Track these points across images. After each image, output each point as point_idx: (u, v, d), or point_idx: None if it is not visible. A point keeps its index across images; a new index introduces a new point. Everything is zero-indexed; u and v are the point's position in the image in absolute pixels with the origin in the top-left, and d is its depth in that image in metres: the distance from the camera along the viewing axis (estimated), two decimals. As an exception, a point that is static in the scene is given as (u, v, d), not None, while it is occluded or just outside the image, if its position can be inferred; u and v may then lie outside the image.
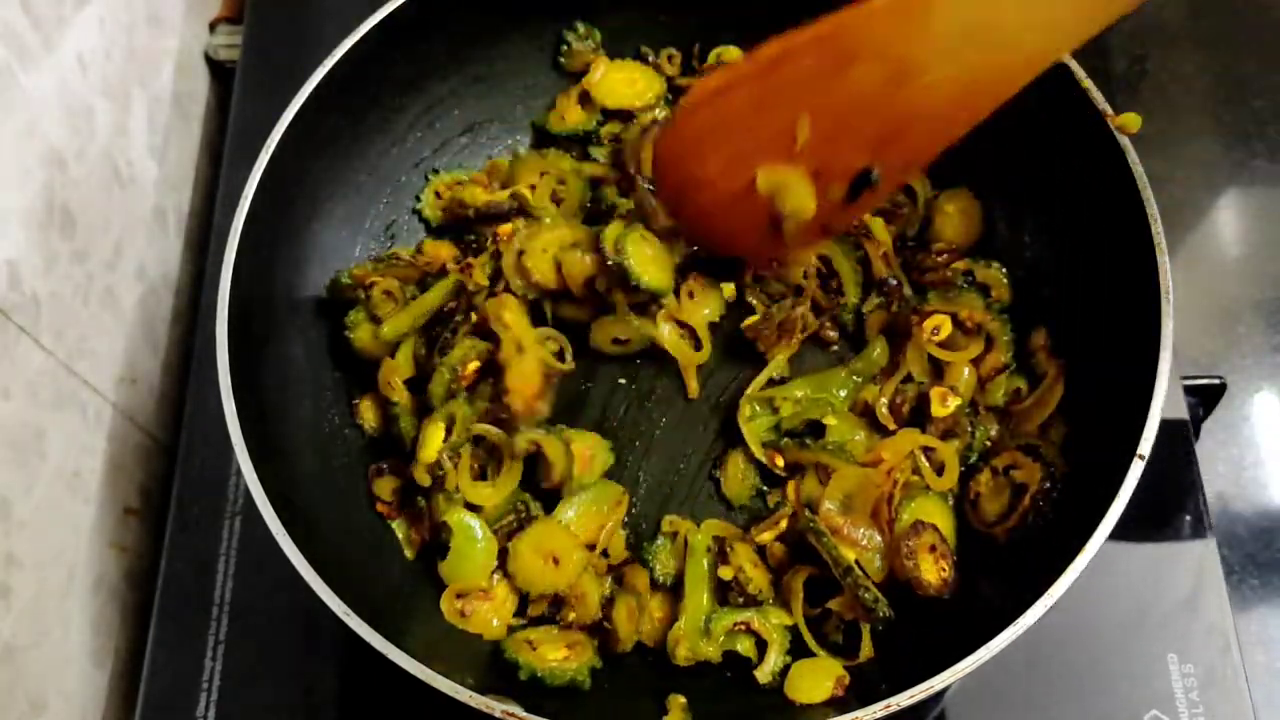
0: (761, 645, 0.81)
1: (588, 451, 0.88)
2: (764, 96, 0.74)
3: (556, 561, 0.82)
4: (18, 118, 0.84)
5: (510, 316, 0.87)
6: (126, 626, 0.97)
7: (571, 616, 0.83)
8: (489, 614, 0.83)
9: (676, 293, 0.92)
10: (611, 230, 0.87)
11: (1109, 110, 0.82)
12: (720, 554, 0.84)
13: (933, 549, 0.80)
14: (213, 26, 1.23)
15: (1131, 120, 0.81)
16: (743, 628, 0.81)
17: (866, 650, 0.80)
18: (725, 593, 0.83)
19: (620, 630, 0.81)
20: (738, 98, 0.75)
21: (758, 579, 0.83)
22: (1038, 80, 0.85)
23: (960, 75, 0.69)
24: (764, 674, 0.80)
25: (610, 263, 0.85)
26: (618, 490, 0.88)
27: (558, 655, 0.79)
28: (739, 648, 0.81)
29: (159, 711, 0.88)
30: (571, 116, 1.02)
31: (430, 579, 0.85)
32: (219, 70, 1.23)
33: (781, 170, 0.76)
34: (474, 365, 0.87)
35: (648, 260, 0.87)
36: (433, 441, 0.84)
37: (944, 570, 0.80)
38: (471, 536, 0.83)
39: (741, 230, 0.83)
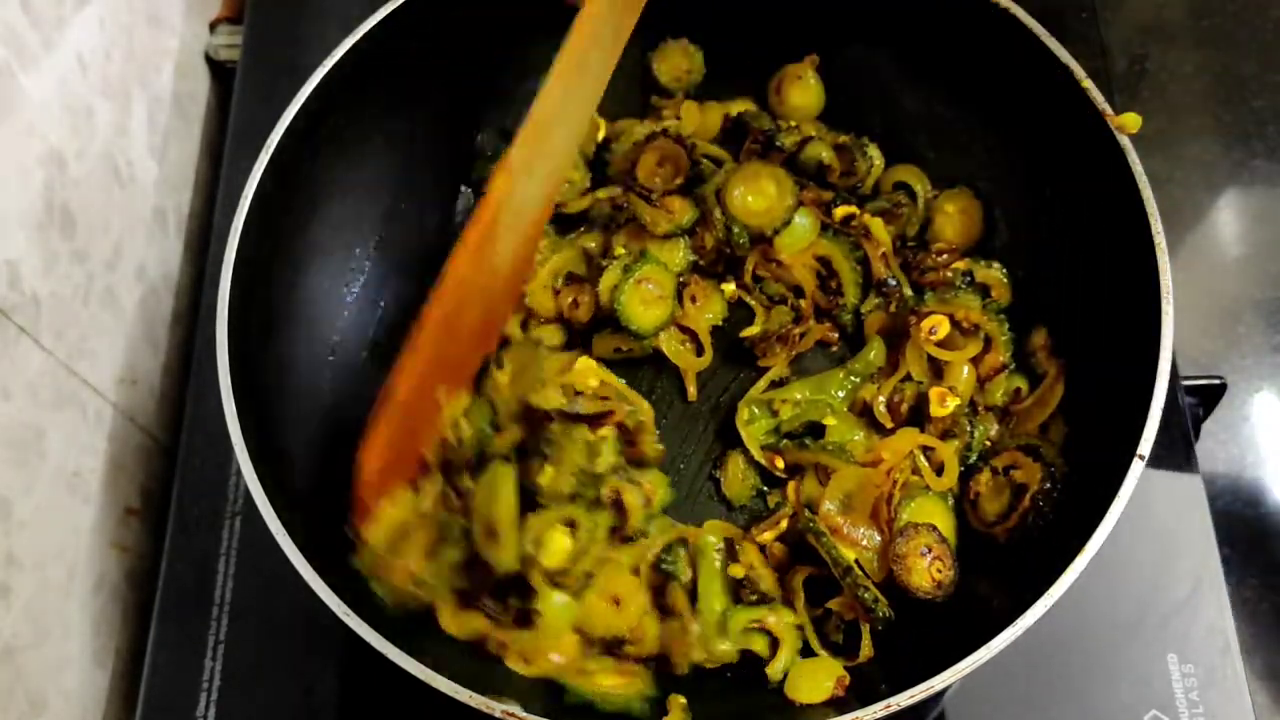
0: (774, 644, 0.81)
1: (651, 489, 0.86)
2: (410, 417, 0.78)
3: (618, 603, 0.81)
4: (18, 118, 0.84)
5: (596, 377, 0.88)
6: (127, 626, 0.97)
7: (631, 651, 0.81)
8: (555, 660, 0.80)
9: (680, 296, 0.92)
10: (607, 279, 0.90)
11: (1109, 110, 0.82)
12: (729, 553, 0.84)
13: (926, 551, 0.80)
14: (213, 26, 1.23)
15: (1131, 120, 0.81)
16: (757, 625, 0.81)
17: (866, 650, 0.80)
18: (738, 591, 0.83)
19: (677, 656, 0.81)
20: (395, 430, 0.77)
21: (766, 577, 0.83)
22: (1038, 81, 0.86)
23: (518, 239, 0.84)
24: (775, 671, 0.79)
25: (605, 310, 0.90)
26: (670, 526, 0.87)
27: (611, 682, 0.78)
28: (754, 646, 0.81)
29: (159, 711, 0.88)
30: None
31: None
32: (219, 70, 1.23)
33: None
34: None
35: (642, 305, 0.90)
36: (558, 547, 0.80)
37: (939, 572, 0.79)
38: (565, 615, 0.80)
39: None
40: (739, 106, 1.02)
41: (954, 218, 0.97)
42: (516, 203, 0.81)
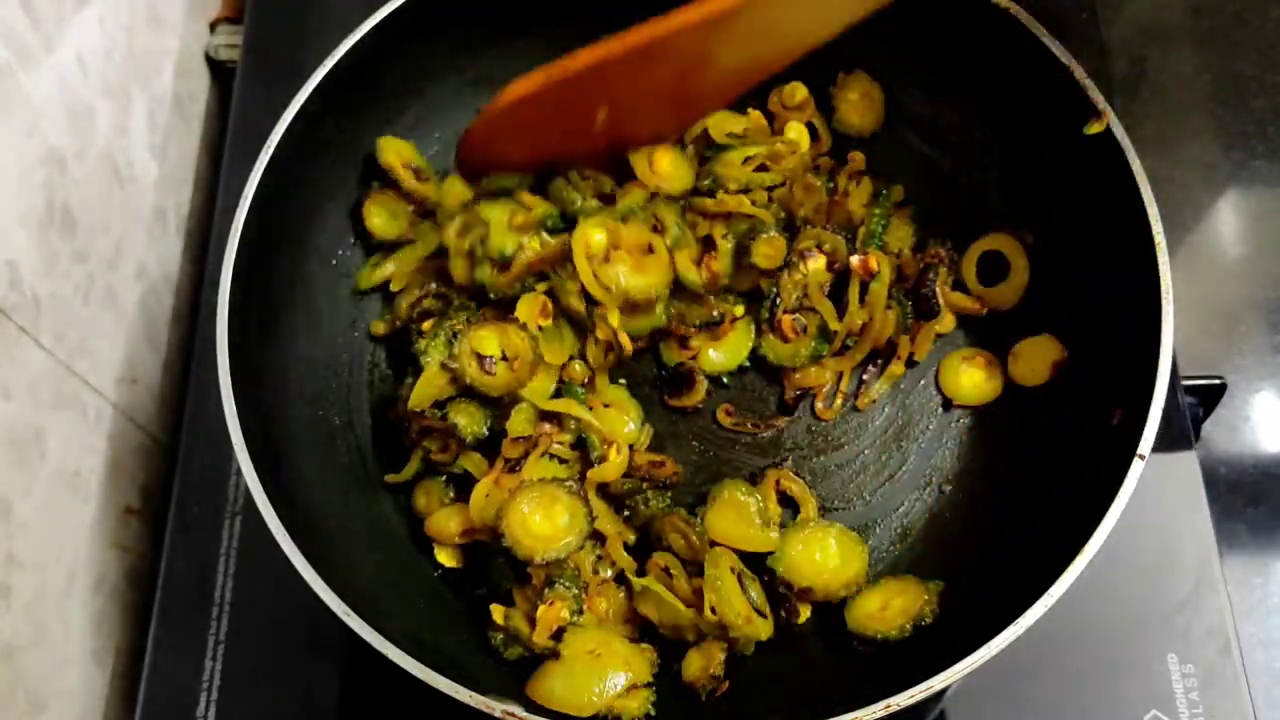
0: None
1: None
2: (568, 98, 0.82)
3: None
4: (18, 118, 0.84)
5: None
6: (127, 626, 0.97)
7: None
8: None
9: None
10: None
11: (1107, 110, 0.82)
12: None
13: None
14: (213, 26, 1.23)
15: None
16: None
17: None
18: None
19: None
20: (544, 101, 0.82)
21: None
22: (1038, 82, 0.86)
23: (741, 63, 0.84)
24: None
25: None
26: None
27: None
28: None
29: (159, 711, 0.88)
30: None
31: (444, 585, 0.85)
32: (219, 70, 1.23)
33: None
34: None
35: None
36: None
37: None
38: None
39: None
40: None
41: (856, 104, 1.00)
42: (762, 23, 0.80)
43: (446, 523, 0.86)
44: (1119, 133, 0.82)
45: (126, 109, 1.03)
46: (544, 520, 0.80)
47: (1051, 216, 0.91)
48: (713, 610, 0.80)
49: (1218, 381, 0.98)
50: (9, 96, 0.83)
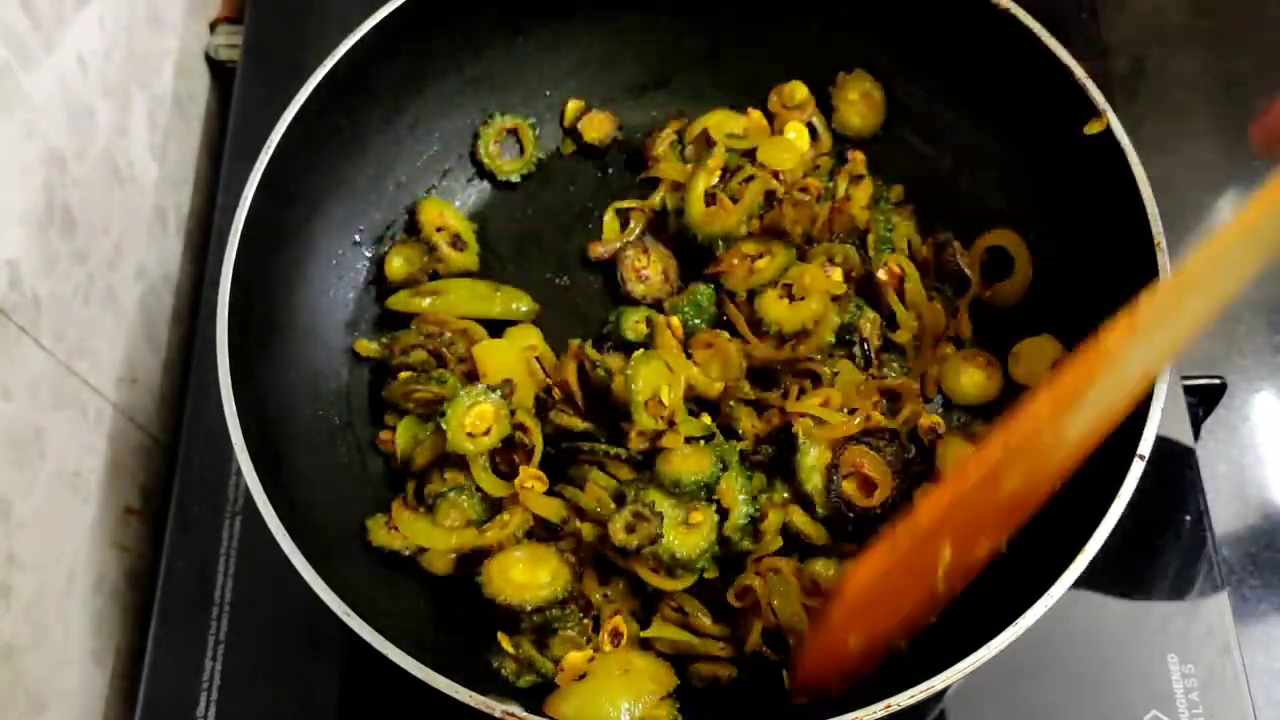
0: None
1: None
2: (914, 557, 0.69)
3: None
4: (18, 118, 0.84)
5: None
6: (127, 626, 0.97)
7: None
8: None
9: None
10: None
11: (1107, 110, 0.82)
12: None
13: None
14: (213, 26, 1.23)
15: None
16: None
17: None
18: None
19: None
20: (889, 574, 0.70)
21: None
22: (1038, 82, 0.86)
23: (1096, 422, 0.67)
24: None
25: None
26: None
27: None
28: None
29: (159, 711, 0.88)
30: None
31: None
32: (219, 70, 1.23)
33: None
34: None
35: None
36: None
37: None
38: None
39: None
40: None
41: (856, 105, 0.99)
42: (1122, 366, 0.65)
43: (441, 559, 0.84)
44: (1119, 133, 0.82)
45: (126, 109, 1.03)
46: (525, 572, 0.80)
47: (1051, 216, 0.91)
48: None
49: (1218, 381, 0.98)
50: (9, 96, 0.83)
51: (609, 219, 1.00)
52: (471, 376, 0.89)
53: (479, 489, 0.85)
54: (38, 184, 0.86)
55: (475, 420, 0.83)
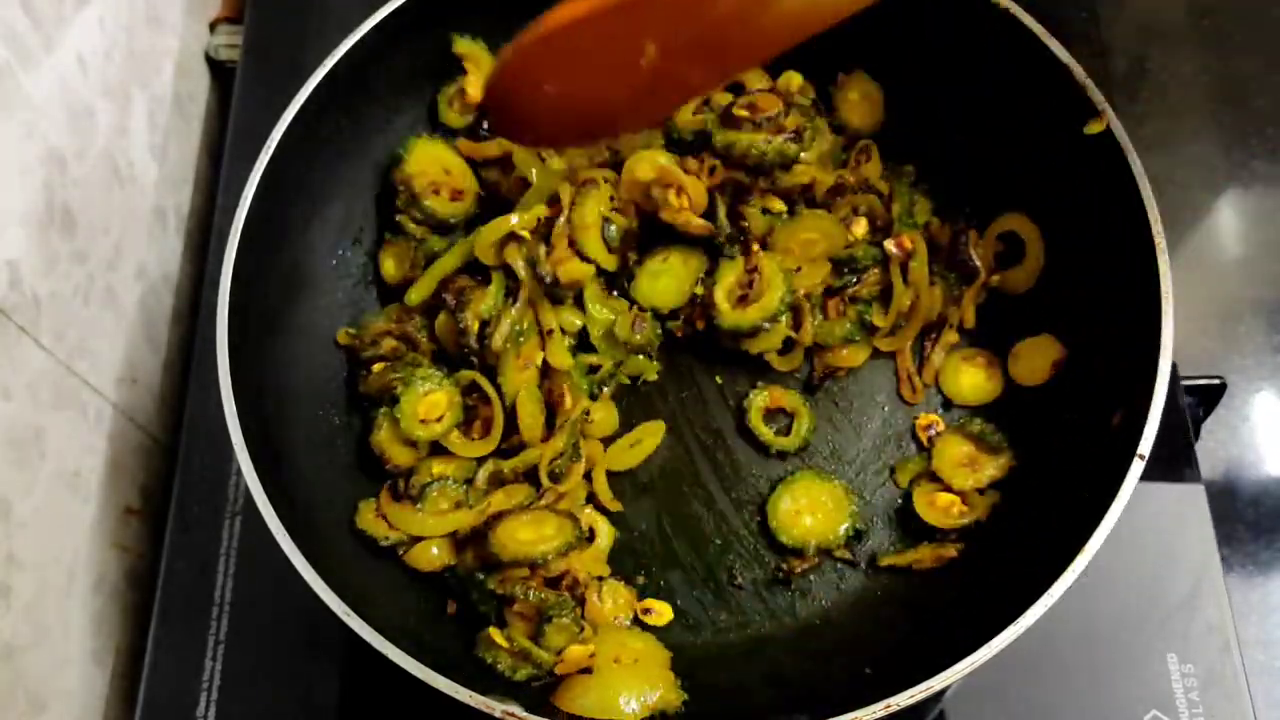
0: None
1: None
2: (617, 28, 0.71)
3: None
4: (18, 118, 0.84)
5: None
6: (127, 626, 0.97)
7: None
8: None
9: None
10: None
11: (1107, 110, 0.82)
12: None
13: None
14: (213, 26, 1.23)
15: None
16: None
17: None
18: None
19: None
20: (589, 30, 0.72)
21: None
22: (1038, 82, 0.86)
23: (803, 4, 0.71)
24: None
25: None
26: None
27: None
28: None
29: (159, 711, 0.88)
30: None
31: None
32: (219, 70, 1.23)
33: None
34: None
35: None
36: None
37: None
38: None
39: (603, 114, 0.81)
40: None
41: (856, 104, 0.99)
42: None
43: (425, 551, 0.85)
44: (1119, 133, 0.82)
45: (126, 109, 1.03)
46: (531, 531, 0.82)
47: (1051, 216, 0.91)
48: None
49: (1218, 381, 0.98)
50: (9, 96, 0.83)
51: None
52: (440, 356, 0.91)
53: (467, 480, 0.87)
54: (38, 184, 0.86)
55: (428, 408, 0.86)
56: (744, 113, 0.91)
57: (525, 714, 0.67)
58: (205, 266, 1.06)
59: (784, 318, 0.91)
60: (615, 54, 0.73)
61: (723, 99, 0.95)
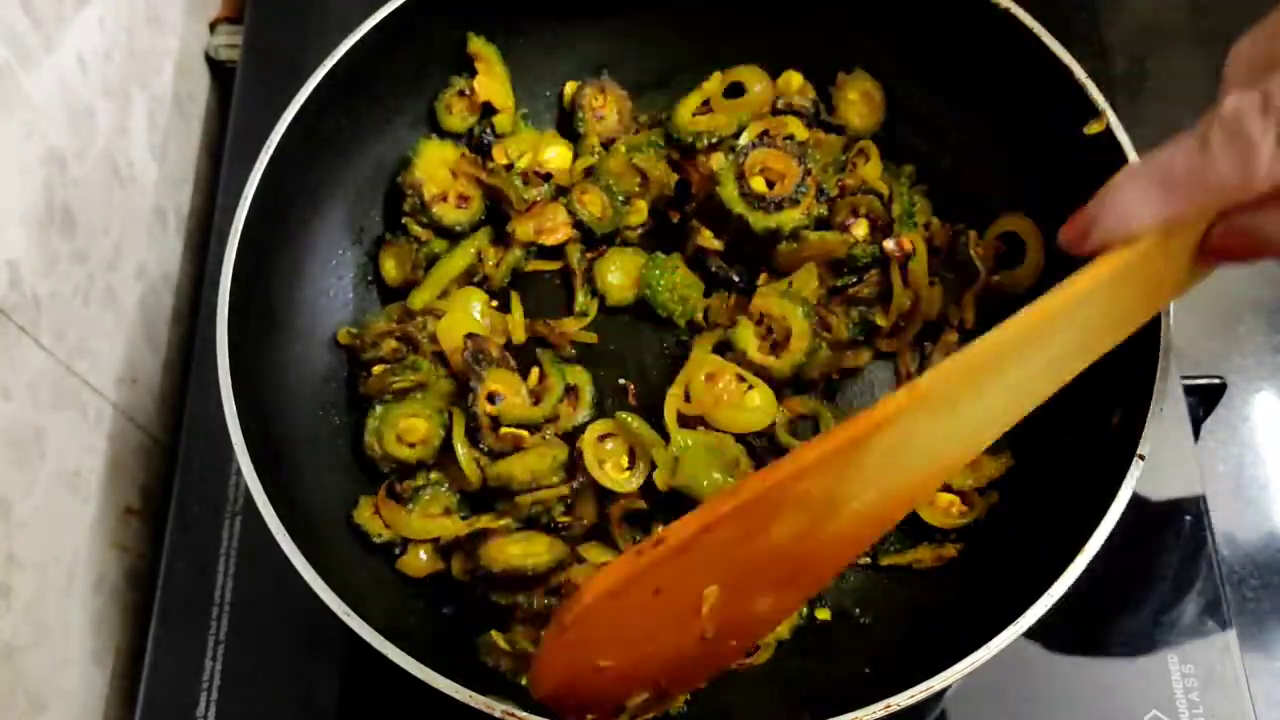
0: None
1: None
2: (668, 580, 0.62)
3: None
4: (18, 118, 0.84)
5: None
6: (127, 626, 0.97)
7: None
8: None
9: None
10: None
11: (1107, 110, 0.82)
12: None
13: None
14: (213, 26, 1.23)
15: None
16: None
17: None
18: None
19: None
20: (639, 589, 0.62)
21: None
22: (1038, 82, 0.86)
23: (887, 493, 0.63)
24: None
25: None
26: None
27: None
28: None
29: (159, 711, 0.88)
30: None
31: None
32: (219, 70, 1.23)
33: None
34: None
35: None
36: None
37: None
38: None
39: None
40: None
41: (856, 104, 0.99)
42: (903, 437, 0.61)
43: (414, 558, 0.86)
44: (1119, 133, 0.82)
45: (126, 109, 1.03)
46: (521, 549, 0.82)
47: (1052, 217, 0.91)
48: None
49: (1218, 381, 0.98)
50: (9, 96, 0.83)
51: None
52: (441, 357, 0.90)
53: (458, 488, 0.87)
54: (38, 184, 0.86)
55: (406, 430, 0.87)
56: (761, 187, 0.91)
57: (525, 714, 0.67)
58: (205, 266, 1.06)
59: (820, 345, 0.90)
60: (670, 611, 0.64)
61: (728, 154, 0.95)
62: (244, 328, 0.80)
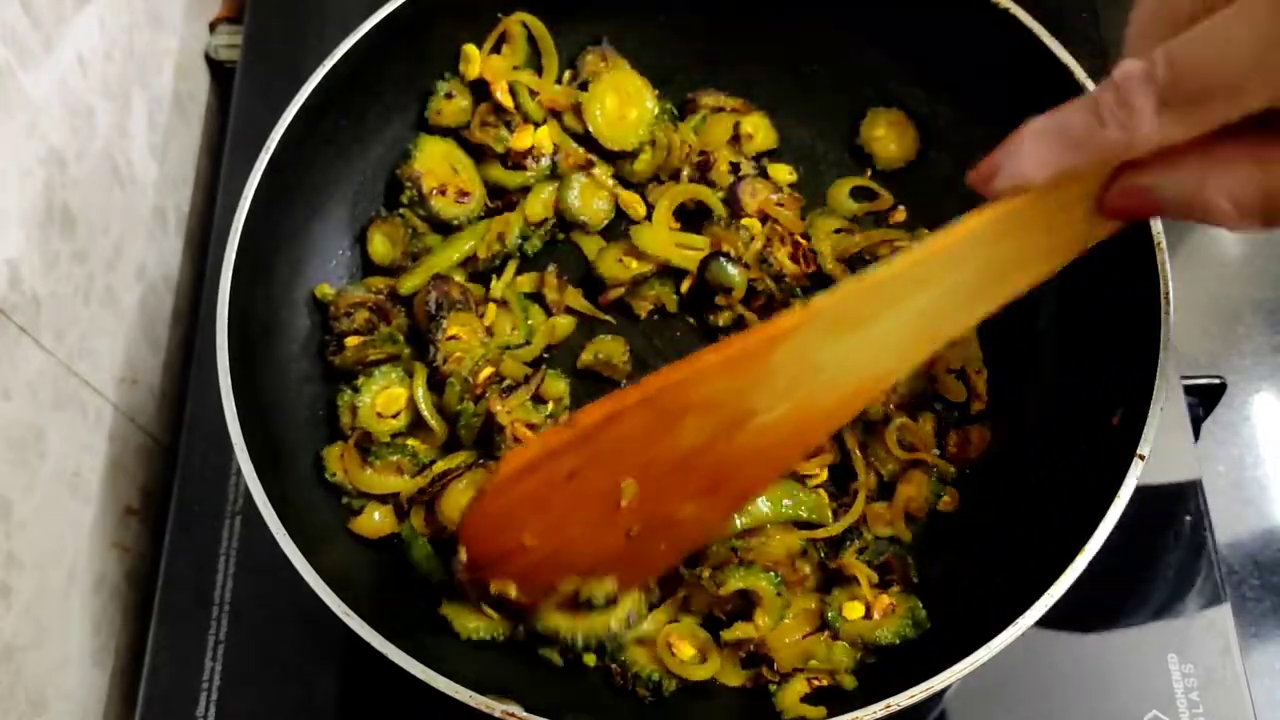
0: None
1: None
2: (583, 464, 0.67)
3: None
4: (18, 118, 0.84)
5: None
6: (127, 626, 0.97)
7: None
8: None
9: None
10: None
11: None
12: None
13: None
14: (213, 26, 1.23)
15: None
16: None
17: None
18: None
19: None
20: (554, 468, 0.67)
21: None
22: (1038, 82, 0.86)
23: (796, 410, 0.65)
24: None
25: None
26: None
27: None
28: None
29: (159, 711, 0.88)
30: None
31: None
32: (219, 70, 1.23)
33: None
34: None
35: None
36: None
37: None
38: None
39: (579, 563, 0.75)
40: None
41: (883, 139, 0.99)
42: (808, 358, 0.63)
43: (369, 519, 0.86)
44: (1119, 133, 0.81)
45: (126, 109, 1.03)
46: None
47: (1051, 216, 0.91)
48: None
49: (1218, 381, 0.98)
50: (9, 96, 0.83)
51: None
52: (414, 331, 0.91)
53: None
54: (38, 184, 0.86)
55: (386, 403, 0.87)
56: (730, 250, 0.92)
57: (525, 714, 0.67)
58: (205, 266, 1.06)
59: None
60: (589, 498, 0.69)
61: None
62: (244, 328, 0.80)
